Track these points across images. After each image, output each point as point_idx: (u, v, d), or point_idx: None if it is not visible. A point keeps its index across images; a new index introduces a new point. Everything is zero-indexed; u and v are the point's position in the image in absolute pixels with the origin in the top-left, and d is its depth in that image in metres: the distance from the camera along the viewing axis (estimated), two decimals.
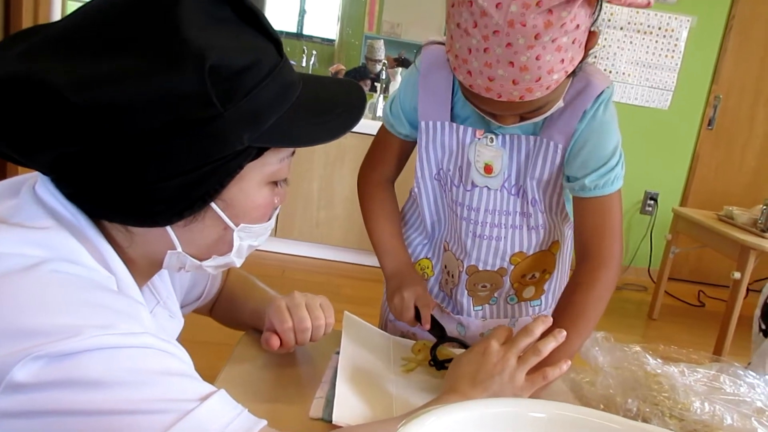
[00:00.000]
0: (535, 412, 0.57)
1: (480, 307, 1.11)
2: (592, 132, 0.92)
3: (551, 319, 0.82)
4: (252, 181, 0.63)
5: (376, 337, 1.03)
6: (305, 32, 3.95)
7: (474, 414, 0.57)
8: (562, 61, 0.76)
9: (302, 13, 3.97)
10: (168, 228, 0.62)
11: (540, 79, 0.76)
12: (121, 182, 0.56)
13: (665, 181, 4.14)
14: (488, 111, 0.86)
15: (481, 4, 0.72)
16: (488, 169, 0.98)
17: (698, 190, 4.11)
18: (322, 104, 0.66)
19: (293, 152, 0.68)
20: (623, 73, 3.91)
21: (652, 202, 4.15)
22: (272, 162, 0.64)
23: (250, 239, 0.68)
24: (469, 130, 0.96)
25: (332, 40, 3.95)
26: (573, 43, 0.75)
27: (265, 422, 0.60)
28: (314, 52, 3.82)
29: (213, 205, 0.62)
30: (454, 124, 0.97)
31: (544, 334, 0.81)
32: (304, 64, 3.80)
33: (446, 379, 0.82)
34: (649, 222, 4.16)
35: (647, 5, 0.74)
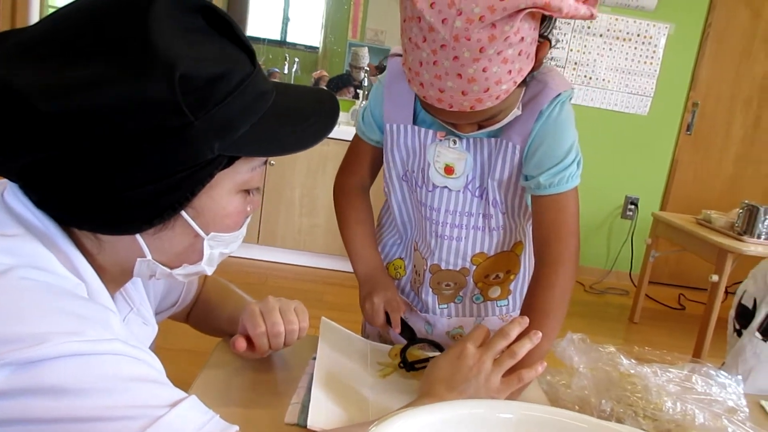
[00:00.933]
0: (503, 413, 0.58)
1: (445, 306, 1.13)
2: (548, 131, 0.94)
3: (527, 321, 0.83)
4: (223, 190, 0.63)
5: (353, 342, 1.03)
6: (289, 39, 3.96)
7: (443, 416, 0.57)
8: (510, 72, 0.78)
9: (286, 20, 3.98)
10: (137, 236, 0.62)
11: (488, 89, 0.78)
12: (90, 190, 0.56)
13: (645, 185, 4.19)
14: (445, 120, 0.89)
15: (428, 20, 0.74)
16: (449, 170, 1.00)
17: (677, 194, 4.16)
18: (295, 113, 0.66)
19: (266, 161, 0.68)
20: (603, 80, 3.95)
21: (632, 206, 4.19)
22: (244, 171, 0.64)
23: (221, 247, 0.68)
24: (430, 132, 0.99)
25: (316, 48, 3.96)
26: (519, 54, 0.78)
27: (236, 428, 0.60)
28: (297, 60, 3.82)
29: (183, 213, 0.62)
30: (416, 127, 1.00)
31: (520, 336, 0.81)
32: (286, 71, 3.80)
33: (422, 382, 0.83)
34: (630, 226, 4.20)
35: (590, 17, 0.76)
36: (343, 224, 1.12)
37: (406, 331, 1.01)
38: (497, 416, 0.57)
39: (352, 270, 1.19)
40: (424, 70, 0.79)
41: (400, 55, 0.88)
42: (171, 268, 0.66)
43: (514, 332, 0.81)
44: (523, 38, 0.76)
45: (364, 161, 1.11)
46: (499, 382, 0.78)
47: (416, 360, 0.96)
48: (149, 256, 0.64)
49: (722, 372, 0.92)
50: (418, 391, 0.82)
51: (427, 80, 0.80)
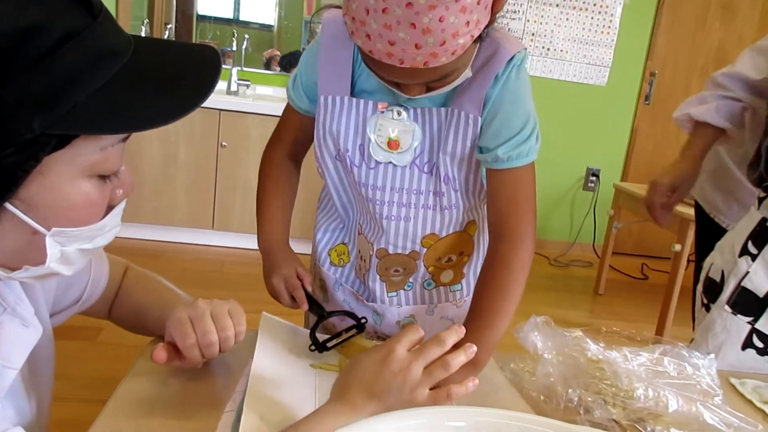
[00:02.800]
0: (453, 421, 0.50)
1: (394, 293, 1.04)
2: (505, 99, 0.87)
3: (464, 330, 0.72)
4: (61, 177, 0.52)
5: (297, 336, 0.93)
6: (242, 18, 3.79)
7: (392, 426, 0.49)
8: (467, 23, 0.69)
9: None
10: None
11: (444, 43, 0.69)
12: None
13: (606, 156, 4.18)
14: (391, 80, 0.79)
15: None
16: (393, 144, 0.91)
17: (638, 164, 4.16)
18: (159, 77, 0.54)
19: (126, 137, 0.56)
20: (561, 50, 3.90)
21: (594, 178, 4.18)
22: (88, 152, 0.52)
23: (77, 243, 0.57)
24: (370, 103, 0.90)
25: (270, 26, 3.80)
26: (478, 4, 0.69)
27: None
28: (246, 36, 3.66)
29: (9, 207, 0.51)
30: (354, 99, 0.90)
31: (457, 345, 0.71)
32: (234, 48, 3.64)
33: (336, 382, 0.70)
34: (592, 198, 4.19)
35: None
36: (258, 196, 1.03)
37: (314, 306, 0.93)
38: (447, 425, 0.49)
39: (310, 253, 1.10)
40: (371, 18, 0.69)
41: (339, 7, 0.78)
42: (11, 269, 0.56)
43: (451, 340, 0.70)
44: None
45: (291, 131, 1.02)
46: (426, 395, 0.67)
47: (331, 337, 0.90)
48: None
49: (695, 352, 0.86)
50: (330, 392, 0.70)
51: (374, 31, 0.70)
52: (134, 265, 0.93)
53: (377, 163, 0.92)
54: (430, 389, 0.68)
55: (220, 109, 3.14)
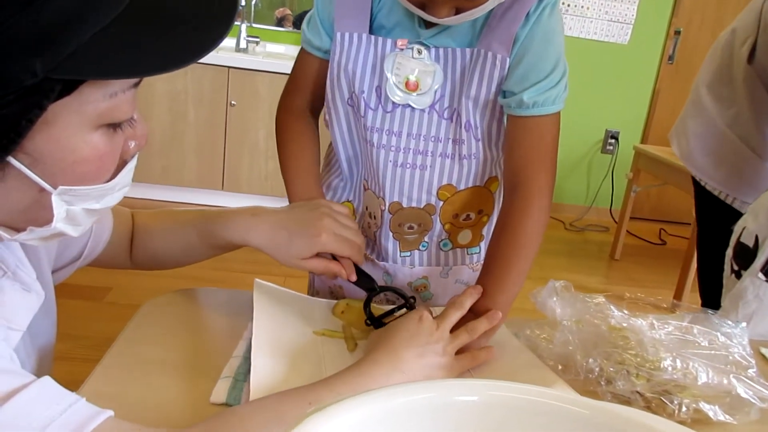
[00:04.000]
0: (464, 395, 0.44)
1: (408, 253, 0.98)
2: (535, 39, 0.80)
3: (481, 290, 0.78)
4: (68, 127, 0.47)
5: (293, 301, 0.87)
6: None
7: (389, 404, 0.44)
8: None
9: None
10: None
11: None
12: None
13: (626, 118, 4.06)
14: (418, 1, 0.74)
15: None
16: (412, 85, 0.84)
17: (659, 126, 4.03)
18: (168, 15, 0.48)
19: (137, 82, 0.50)
20: (582, 6, 3.75)
21: (613, 140, 4.07)
22: (96, 98, 0.47)
23: (84, 203, 0.52)
24: (389, 41, 0.83)
25: None
26: None
27: (108, 413, 0.47)
28: None
29: (13, 161, 0.46)
30: (372, 36, 0.84)
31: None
32: (243, 3, 3.53)
33: (378, 338, 0.73)
34: (610, 161, 4.08)
35: None
36: (282, 153, 0.93)
37: (363, 279, 0.82)
38: (457, 400, 0.44)
39: None
40: None
41: None
42: (15, 230, 0.51)
43: (468, 302, 0.77)
44: None
45: (309, 78, 0.93)
46: (453, 353, 0.73)
47: (383, 314, 0.81)
48: None
49: (727, 321, 0.79)
50: (370, 346, 0.72)
51: None
52: (138, 210, 0.89)
53: (394, 106, 0.86)
54: (456, 353, 0.73)
55: (229, 67, 3.06)
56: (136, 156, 0.55)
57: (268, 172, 3.26)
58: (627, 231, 3.47)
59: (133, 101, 0.50)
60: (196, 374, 0.70)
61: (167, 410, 0.64)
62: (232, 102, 3.12)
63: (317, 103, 0.95)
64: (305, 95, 0.94)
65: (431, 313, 0.75)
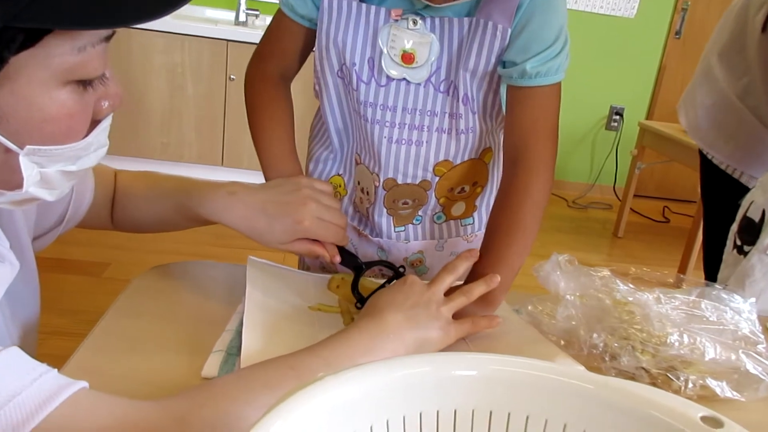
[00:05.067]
0: (463, 369, 0.42)
1: (402, 228, 0.95)
2: (537, 7, 0.77)
3: (477, 253, 0.75)
4: (32, 82, 0.44)
5: (288, 277, 0.85)
6: None
7: (386, 378, 0.41)
8: None
9: None
10: None
11: None
12: None
13: (631, 94, 4.00)
14: None
15: None
16: (408, 57, 0.80)
17: (665, 103, 3.97)
18: None
19: (109, 36, 0.47)
20: None
21: (617, 117, 4.01)
22: (63, 52, 0.44)
23: (58, 164, 0.49)
24: (382, 10, 0.79)
25: None
26: None
27: (82, 384, 0.44)
28: None
29: None
30: (364, 5, 0.79)
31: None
32: None
33: (366, 306, 0.70)
34: (614, 138, 4.04)
35: None
36: (254, 123, 0.88)
37: (347, 258, 0.80)
38: (454, 374, 0.42)
39: None
40: None
41: None
42: None
43: (462, 267, 0.74)
44: None
45: (287, 44, 0.88)
46: (450, 316, 0.69)
47: (372, 292, 0.78)
48: None
49: (735, 295, 0.77)
50: (360, 315, 0.69)
51: None
52: (123, 170, 0.86)
53: (389, 79, 0.82)
54: (456, 317, 0.70)
55: (228, 40, 3.01)
56: (111, 116, 0.52)
57: None
58: (630, 209, 3.44)
59: (104, 57, 0.47)
60: (188, 348, 0.68)
61: (157, 384, 0.62)
62: (232, 76, 3.07)
63: (291, 71, 0.91)
64: (279, 62, 0.89)
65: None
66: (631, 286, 0.74)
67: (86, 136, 0.50)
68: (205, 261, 0.91)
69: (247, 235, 0.76)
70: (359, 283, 0.79)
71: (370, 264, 0.82)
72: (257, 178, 0.84)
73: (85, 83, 0.47)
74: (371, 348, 0.61)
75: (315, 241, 0.76)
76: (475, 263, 0.78)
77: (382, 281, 0.81)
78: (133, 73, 3.07)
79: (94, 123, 0.51)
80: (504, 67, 0.80)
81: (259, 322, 0.70)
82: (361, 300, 0.77)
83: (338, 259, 0.78)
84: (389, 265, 0.82)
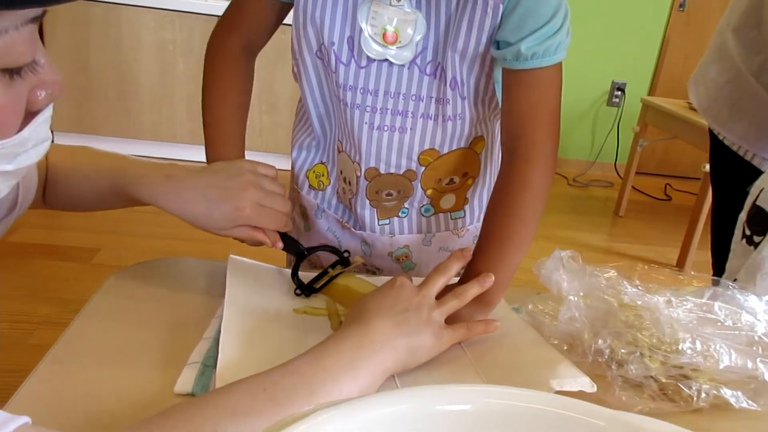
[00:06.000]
0: (455, 404, 0.37)
1: (386, 221, 0.90)
2: None
3: (470, 253, 0.70)
4: None
5: (271, 277, 0.80)
6: None
7: (366, 416, 0.36)
8: None
9: None
10: None
11: None
12: None
13: (633, 69, 3.91)
14: None
15: None
16: (390, 37, 0.74)
17: (668, 78, 3.89)
18: None
19: (37, 17, 0.41)
20: None
21: (619, 92, 3.93)
22: None
23: None
24: None
25: None
26: None
27: (24, 420, 0.39)
28: None
29: None
30: None
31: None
32: None
33: (352, 311, 0.64)
34: (616, 114, 3.96)
35: None
36: (204, 101, 0.84)
37: (289, 244, 0.77)
38: (445, 410, 0.37)
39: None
40: None
41: None
42: None
43: (455, 267, 0.69)
44: None
45: (253, 15, 0.83)
46: (443, 321, 0.64)
47: (316, 278, 0.77)
48: None
49: (750, 295, 0.72)
50: (346, 320, 0.64)
51: None
52: (55, 144, 0.80)
53: (369, 60, 0.76)
54: (448, 322, 0.65)
55: (218, 16, 2.91)
56: (50, 107, 0.46)
57: (263, 127, 3.15)
58: (632, 187, 3.38)
59: (32, 40, 0.40)
60: (162, 359, 0.63)
61: (126, 402, 0.57)
62: None
63: (257, 44, 0.86)
64: (245, 33, 0.84)
65: (411, 281, 0.67)
66: (639, 288, 0.69)
67: (20, 130, 0.43)
68: (186, 258, 0.86)
69: (185, 220, 0.71)
70: (349, 282, 0.74)
71: (312, 249, 0.80)
72: (251, 157, 0.79)
73: (11, 72, 0.40)
74: (356, 359, 0.55)
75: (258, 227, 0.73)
76: (471, 260, 0.73)
77: (364, 278, 0.77)
78: (122, 50, 2.99)
79: (31, 115, 0.45)
80: (498, 47, 0.74)
81: (239, 330, 0.65)
82: (300, 286, 0.75)
83: (280, 245, 0.75)
84: (333, 250, 0.80)
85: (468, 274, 0.74)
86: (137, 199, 0.72)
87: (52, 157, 0.76)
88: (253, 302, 0.71)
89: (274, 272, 0.81)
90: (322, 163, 0.91)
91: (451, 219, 0.91)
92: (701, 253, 2.66)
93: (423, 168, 0.84)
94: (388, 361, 0.58)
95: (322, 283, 0.76)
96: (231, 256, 0.78)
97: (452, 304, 0.65)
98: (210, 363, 0.62)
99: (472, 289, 0.68)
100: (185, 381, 0.59)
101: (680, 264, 2.77)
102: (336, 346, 0.56)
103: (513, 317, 0.76)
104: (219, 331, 0.65)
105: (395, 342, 0.59)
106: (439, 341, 0.62)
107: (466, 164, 0.86)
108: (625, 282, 0.69)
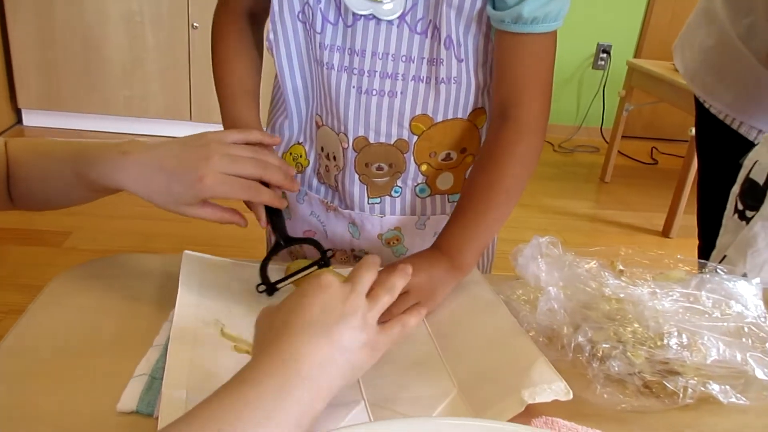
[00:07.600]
0: None
1: (377, 200, 0.84)
2: None
3: (410, 270, 0.59)
4: None
5: (233, 273, 0.73)
6: None
7: None
8: None
9: None
10: None
11: None
12: None
13: (618, 31, 3.83)
14: None
15: None
16: None
17: (654, 39, 3.81)
18: None
19: None
20: None
21: (604, 55, 3.86)
22: None
23: None
24: None
25: None
26: None
27: None
28: None
29: None
30: None
31: None
32: None
33: (259, 333, 0.52)
34: (601, 77, 3.89)
35: None
36: (216, 61, 0.82)
37: (279, 228, 0.71)
38: None
39: None
40: None
41: None
42: None
43: (377, 260, 0.57)
44: None
45: None
46: (375, 323, 0.53)
47: (287, 276, 0.69)
48: None
49: (740, 280, 0.68)
50: (253, 341, 0.53)
51: None
52: (12, 138, 0.73)
53: (355, 18, 0.71)
54: (380, 321, 0.54)
55: None
56: None
57: None
58: (618, 151, 3.34)
59: None
60: (106, 372, 0.58)
61: (63, 426, 0.52)
62: (195, 24, 2.88)
63: (260, 6, 0.82)
64: (247, 2, 0.82)
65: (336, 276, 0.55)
66: (622, 280, 0.65)
67: None
68: (139, 254, 0.80)
69: (144, 198, 0.64)
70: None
71: (291, 241, 0.72)
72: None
73: None
74: (280, 399, 0.44)
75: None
76: (448, 223, 0.71)
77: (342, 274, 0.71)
78: (86, 22, 2.87)
79: None
80: (495, 8, 0.69)
81: (190, 337, 0.60)
82: (265, 282, 0.68)
83: (264, 223, 0.70)
84: (315, 244, 0.72)
85: (443, 238, 0.72)
86: (100, 183, 0.66)
87: (11, 150, 0.70)
88: (205, 305, 0.65)
89: (236, 267, 0.75)
90: (299, 143, 0.86)
91: (449, 202, 0.86)
92: (688, 218, 2.64)
93: (415, 138, 0.79)
94: (321, 393, 0.47)
95: (288, 282, 0.69)
96: (185, 252, 0.72)
97: (384, 300, 0.55)
98: (158, 375, 0.57)
99: (399, 281, 0.57)
100: (129, 397, 0.54)
101: (666, 230, 2.75)
102: (255, 383, 0.45)
103: (490, 297, 0.71)
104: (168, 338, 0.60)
105: (329, 367, 0.47)
106: (374, 351, 0.52)
107: (464, 139, 0.81)
108: (606, 273, 0.65)
